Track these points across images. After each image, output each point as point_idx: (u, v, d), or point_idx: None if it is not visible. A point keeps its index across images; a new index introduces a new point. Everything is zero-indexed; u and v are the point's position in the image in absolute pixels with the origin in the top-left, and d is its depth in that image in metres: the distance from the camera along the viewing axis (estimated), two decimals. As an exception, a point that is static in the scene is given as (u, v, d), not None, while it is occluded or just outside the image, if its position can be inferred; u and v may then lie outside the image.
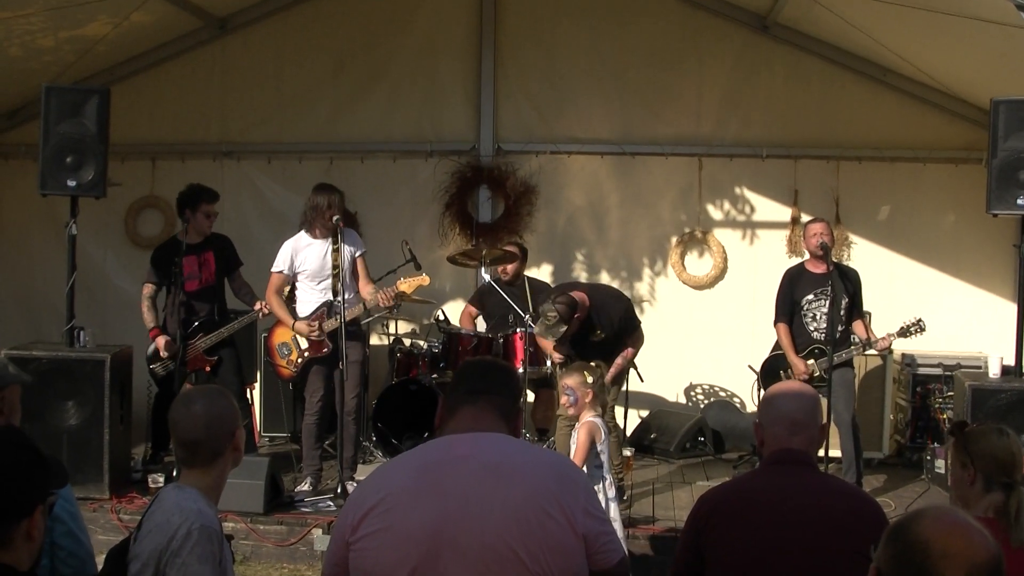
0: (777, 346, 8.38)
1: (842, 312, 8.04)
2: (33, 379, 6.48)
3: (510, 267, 9.00)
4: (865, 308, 8.46)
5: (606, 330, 7.55)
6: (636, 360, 7.94)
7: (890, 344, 8.09)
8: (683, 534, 3.53)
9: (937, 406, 9.02)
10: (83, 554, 3.59)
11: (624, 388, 8.13)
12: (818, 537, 3.24)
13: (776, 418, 3.49)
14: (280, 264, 7.87)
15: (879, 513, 3.36)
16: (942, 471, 8.25)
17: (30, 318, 10.07)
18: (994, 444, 3.61)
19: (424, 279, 7.97)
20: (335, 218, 7.61)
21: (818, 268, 8.17)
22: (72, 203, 7.83)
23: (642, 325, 7.97)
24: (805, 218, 9.16)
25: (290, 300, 8.18)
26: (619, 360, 7.64)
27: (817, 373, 8.03)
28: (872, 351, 8.41)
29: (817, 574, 3.23)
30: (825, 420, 3.52)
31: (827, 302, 8.01)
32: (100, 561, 3.47)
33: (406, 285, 7.86)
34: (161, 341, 8.09)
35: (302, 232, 7.90)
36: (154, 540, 3.13)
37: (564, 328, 7.25)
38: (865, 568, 2.32)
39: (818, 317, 8.14)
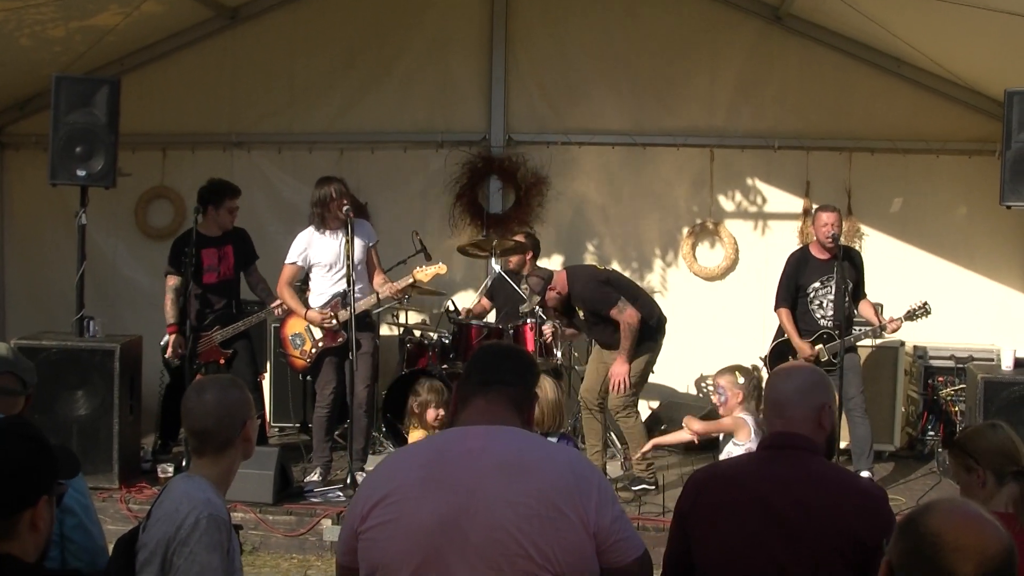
0: (780, 333, 8.35)
1: (846, 297, 8.00)
2: (42, 369, 6.49)
3: (514, 259, 8.96)
4: (877, 300, 8.43)
5: (582, 306, 7.91)
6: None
7: (898, 327, 8.07)
8: (672, 519, 3.36)
9: (949, 399, 8.99)
10: (94, 547, 3.57)
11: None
12: (806, 532, 3.02)
13: (766, 402, 3.39)
14: (293, 256, 7.84)
15: (880, 507, 3.07)
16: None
17: (40, 308, 10.05)
18: (992, 439, 3.66)
19: (441, 268, 7.95)
20: (345, 208, 7.58)
21: (823, 254, 8.14)
22: (82, 193, 7.83)
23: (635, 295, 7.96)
24: (818, 210, 9.12)
25: (303, 291, 8.14)
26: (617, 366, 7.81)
27: (825, 358, 8.00)
28: (882, 337, 8.43)
29: (800, 571, 3.01)
30: (830, 401, 3.37)
31: (834, 289, 7.98)
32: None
33: (423, 274, 7.83)
34: (172, 341, 8.11)
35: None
36: (162, 529, 3.13)
37: (538, 299, 7.94)
38: (865, 563, 2.29)
39: (824, 304, 8.11)
